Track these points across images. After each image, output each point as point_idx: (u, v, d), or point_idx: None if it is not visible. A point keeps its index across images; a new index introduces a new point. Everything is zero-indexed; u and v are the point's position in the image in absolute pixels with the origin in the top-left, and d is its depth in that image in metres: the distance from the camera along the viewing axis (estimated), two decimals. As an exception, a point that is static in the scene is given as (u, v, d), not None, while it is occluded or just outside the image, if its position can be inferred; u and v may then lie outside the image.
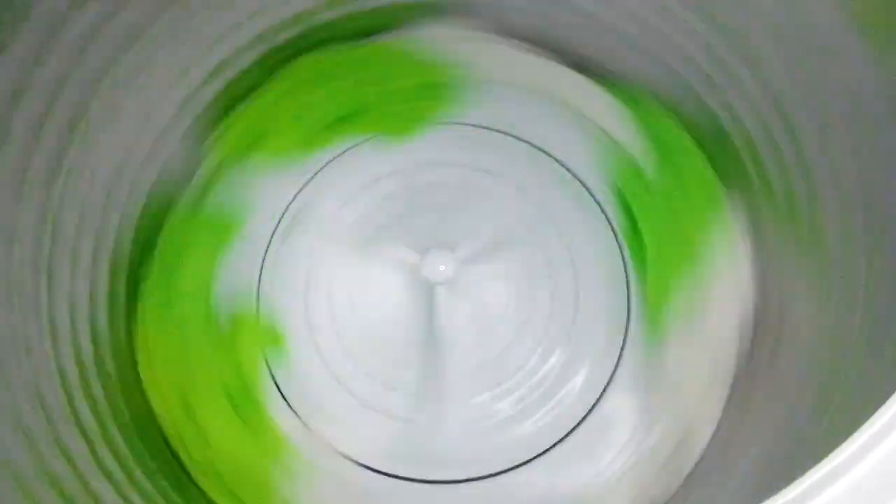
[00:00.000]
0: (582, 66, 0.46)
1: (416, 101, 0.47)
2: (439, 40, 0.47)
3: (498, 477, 0.42)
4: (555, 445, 0.43)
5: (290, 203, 0.45)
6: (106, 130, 0.37)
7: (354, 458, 0.42)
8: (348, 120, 0.46)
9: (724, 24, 0.37)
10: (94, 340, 0.38)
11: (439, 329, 0.43)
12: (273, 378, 0.43)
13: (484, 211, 0.45)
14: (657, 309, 0.43)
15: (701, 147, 0.44)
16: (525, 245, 0.45)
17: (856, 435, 0.18)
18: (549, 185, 0.45)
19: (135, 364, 0.41)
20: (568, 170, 0.46)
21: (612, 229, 0.45)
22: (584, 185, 0.45)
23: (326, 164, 0.46)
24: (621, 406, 0.43)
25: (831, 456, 0.18)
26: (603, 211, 0.45)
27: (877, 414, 0.18)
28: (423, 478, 0.42)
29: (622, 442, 0.42)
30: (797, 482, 0.18)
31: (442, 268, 0.42)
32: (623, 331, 0.44)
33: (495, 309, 0.44)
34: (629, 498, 0.41)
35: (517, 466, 0.43)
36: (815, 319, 0.36)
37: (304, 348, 0.43)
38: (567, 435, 0.43)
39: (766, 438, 0.36)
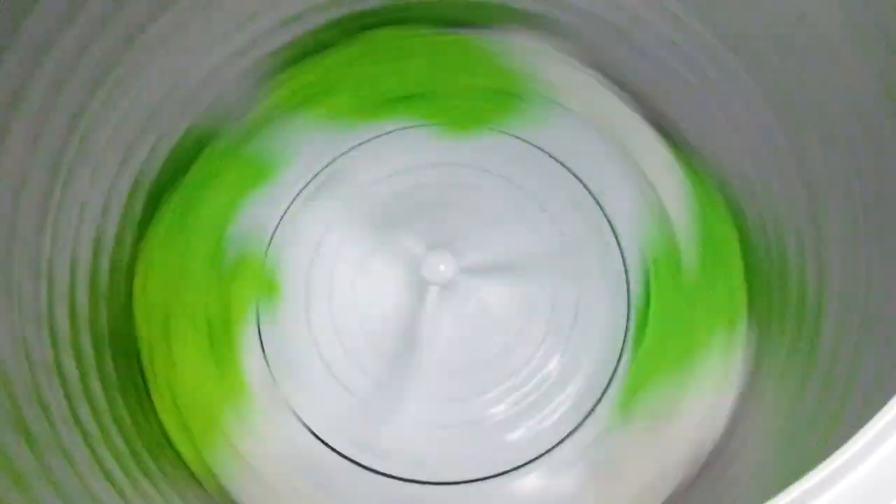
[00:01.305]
0: (661, 126, 0.45)
1: (484, 102, 0.46)
2: (523, 50, 0.46)
3: (480, 482, 0.42)
4: (550, 450, 0.42)
5: (326, 166, 0.46)
6: (167, 48, 0.38)
7: (311, 428, 0.43)
8: (410, 101, 0.46)
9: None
10: (96, 248, 0.38)
11: (427, 328, 0.43)
12: (258, 326, 0.44)
13: (503, 223, 0.45)
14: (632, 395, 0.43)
15: (745, 260, 0.42)
16: (531, 259, 0.44)
17: (855, 438, 0.18)
18: (571, 209, 0.45)
19: (131, 277, 0.42)
20: (605, 216, 0.45)
21: (610, 225, 0.44)
22: (617, 240, 0.44)
23: (373, 138, 0.46)
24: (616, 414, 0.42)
25: (831, 458, 0.18)
26: (612, 228, 0.44)
27: (877, 416, 0.18)
28: (383, 471, 0.42)
29: (619, 447, 0.42)
30: (797, 484, 0.18)
31: (442, 268, 0.42)
32: (621, 340, 0.43)
33: (492, 315, 0.44)
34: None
35: (506, 472, 0.42)
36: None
37: (295, 308, 0.44)
38: (562, 440, 0.42)
39: (767, 444, 0.36)
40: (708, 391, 0.41)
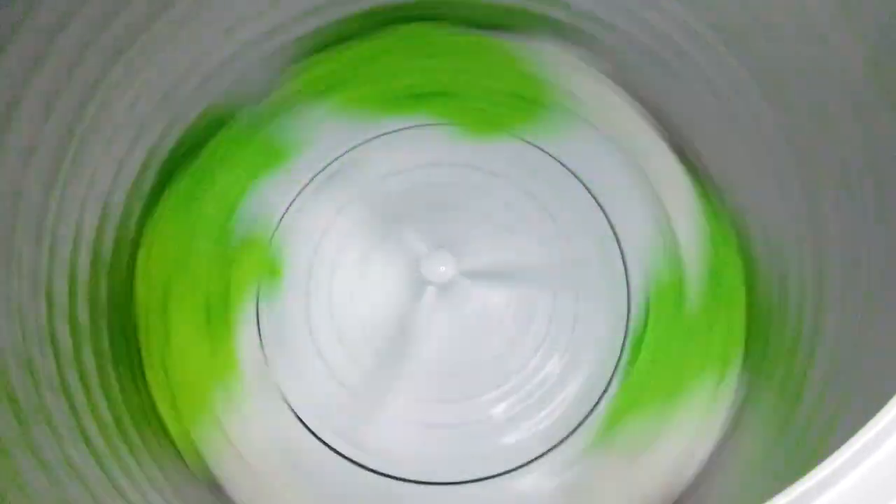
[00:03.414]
0: (685, 155, 0.44)
1: (505, 107, 0.46)
2: (549, 59, 0.46)
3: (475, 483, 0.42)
4: (550, 450, 0.42)
5: (340, 156, 0.46)
6: (190, 27, 0.38)
7: (300, 416, 0.43)
8: (430, 99, 0.46)
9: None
10: (103, 218, 0.39)
11: (421, 326, 0.43)
12: (256, 308, 0.44)
13: (510, 230, 0.45)
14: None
15: (748, 304, 0.42)
16: (533, 269, 0.44)
17: (854, 438, 0.18)
18: (580, 222, 0.45)
19: (136, 249, 0.42)
20: (615, 235, 0.45)
21: (618, 243, 0.44)
22: (623, 260, 0.44)
23: (388, 132, 0.46)
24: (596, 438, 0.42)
25: (830, 459, 0.18)
26: (619, 247, 0.44)
27: (875, 418, 0.18)
28: (364, 464, 0.42)
29: (594, 473, 0.42)
30: (796, 484, 0.18)
31: (441, 268, 0.42)
32: (621, 341, 0.43)
33: (488, 319, 0.44)
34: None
35: (508, 471, 0.42)
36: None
37: (295, 294, 0.44)
38: (562, 440, 0.42)
39: (744, 483, 0.36)
40: (690, 429, 0.41)
